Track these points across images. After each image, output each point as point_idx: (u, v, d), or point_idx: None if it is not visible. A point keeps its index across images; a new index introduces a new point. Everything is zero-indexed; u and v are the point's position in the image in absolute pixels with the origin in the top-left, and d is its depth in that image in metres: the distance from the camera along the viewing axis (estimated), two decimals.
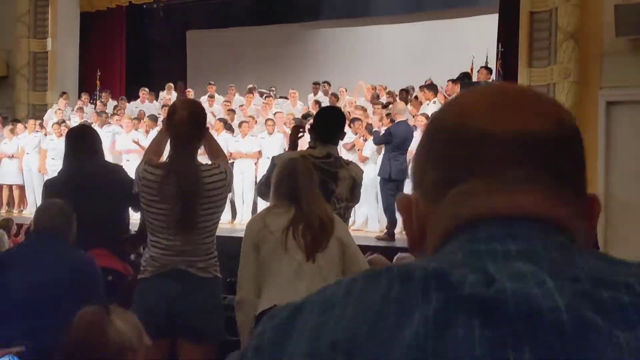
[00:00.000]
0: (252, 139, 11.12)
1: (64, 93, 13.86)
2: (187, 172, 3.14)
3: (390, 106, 10.42)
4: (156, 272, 3.20)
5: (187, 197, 3.11)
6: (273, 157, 3.96)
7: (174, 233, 3.16)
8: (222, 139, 11.17)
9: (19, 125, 12.56)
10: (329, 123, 4.07)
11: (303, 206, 3.08)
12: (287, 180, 3.17)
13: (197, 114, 3.27)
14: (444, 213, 0.76)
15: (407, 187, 9.35)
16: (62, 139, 11.75)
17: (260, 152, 10.95)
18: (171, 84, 14.40)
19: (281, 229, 3.07)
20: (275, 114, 11.87)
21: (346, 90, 13.02)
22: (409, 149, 8.83)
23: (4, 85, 14.67)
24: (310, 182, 3.17)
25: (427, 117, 9.76)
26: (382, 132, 9.31)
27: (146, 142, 11.39)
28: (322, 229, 3.06)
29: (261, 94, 13.51)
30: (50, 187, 4.06)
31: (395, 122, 9.19)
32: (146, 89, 14.16)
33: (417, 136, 9.56)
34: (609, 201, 9.21)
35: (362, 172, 4.16)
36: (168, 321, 3.14)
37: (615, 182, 9.57)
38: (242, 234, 3.33)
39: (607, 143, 9.63)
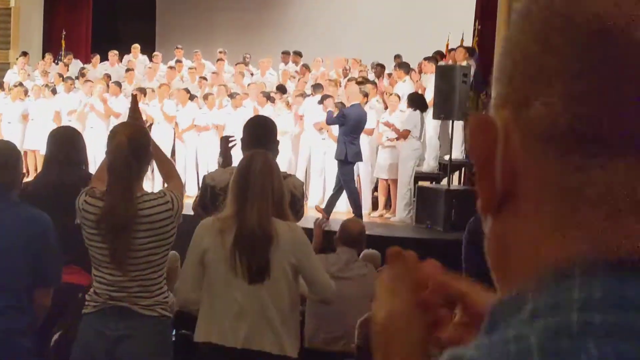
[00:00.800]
0: (218, 112, 10.80)
1: (24, 53, 13.38)
2: (120, 204, 2.90)
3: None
4: (99, 307, 3.00)
5: (117, 230, 2.89)
6: (204, 177, 3.72)
7: (116, 268, 2.96)
8: (188, 110, 10.89)
9: None
10: (259, 133, 3.76)
11: (248, 218, 2.83)
12: (240, 181, 2.92)
13: (138, 139, 2.99)
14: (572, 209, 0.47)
15: (363, 168, 9.19)
16: (18, 102, 11.64)
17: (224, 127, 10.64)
18: (137, 46, 13.92)
19: (224, 246, 2.85)
20: (249, 85, 11.55)
21: (322, 61, 12.69)
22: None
23: None
24: (264, 186, 2.90)
25: (398, 96, 9.55)
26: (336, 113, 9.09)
27: (113, 105, 11.11)
28: (262, 251, 2.83)
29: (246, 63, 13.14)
30: (25, 195, 3.81)
31: (350, 104, 9.03)
32: (116, 52, 13.70)
33: (392, 120, 9.37)
34: None
35: (302, 184, 3.92)
36: None
37: None
38: None
39: None
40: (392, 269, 0.71)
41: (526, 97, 0.50)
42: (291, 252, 2.89)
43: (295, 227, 2.99)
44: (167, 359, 3.12)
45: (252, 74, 13.01)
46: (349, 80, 10.97)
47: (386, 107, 9.92)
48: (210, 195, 3.68)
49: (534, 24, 0.52)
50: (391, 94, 9.71)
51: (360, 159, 8.87)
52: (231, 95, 10.84)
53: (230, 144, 3.98)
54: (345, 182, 8.82)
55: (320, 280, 3.01)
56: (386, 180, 9.46)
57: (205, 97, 10.91)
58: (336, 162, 9.31)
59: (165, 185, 3.33)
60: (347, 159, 8.72)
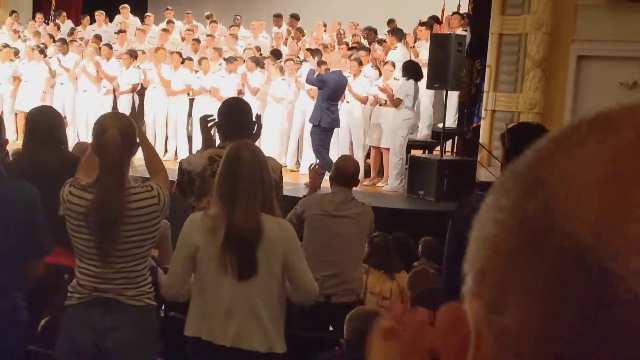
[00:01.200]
0: (212, 76, 10.68)
1: (13, 12, 13.17)
2: (113, 198, 2.88)
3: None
4: (83, 299, 2.98)
5: (106, 223, 2.87)
6: (181, 161, 3.68)
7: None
8: (180, 74, 10.77)
9: None
10: (235, 118, 3.74)
11: (238, 216, 2.81)
12: (228, 175, 2.89)
13: (129, 132, 2.98)
14: None
15: (356, 135, 9.15)
16: (7, 64, 11.49)
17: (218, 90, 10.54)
18: (126, 6, 13.68)
19: (214, 243, 2.83)
20: (245, 50, 11.40)
21: (325, 27, 12.47)
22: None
23: None
24: (254, 182, 2.88)
25: (393, 64, 9.45)
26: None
27: (106, 68, 10.97)
28: (251, 248, 2.81)
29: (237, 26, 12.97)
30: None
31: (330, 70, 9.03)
32: (102, 12, 13.48)
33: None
34: None
35: (280, 166, 3.90)
36: (97, 356, 2.95)
37: None
38: None
39: (575, 98, 9.46)
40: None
41: (498, 304, 0.45)
42: (280, 251, 2.88)
43: (285, 225, 2.97)
44: (155, 346, 3.14)
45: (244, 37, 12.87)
46: (341, 45, 10.86)
47: (380, 74, 9.83)
48: (187, 180, 3.68)
49: (505, 221, 0.46)
50: (386, 62, 9.59)
51: (336, 126, 8.94)
52: (228, 60, 10.69)
53: (209, 124, 3.91)
54: (316, 148, 8.93)
55: (306, 282, 2.99)
56: (378, 148, 9.43)
57: (200, 61, 10.75)
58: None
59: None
60: (321, 124, 8.79)
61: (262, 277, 2.86)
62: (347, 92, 9.31)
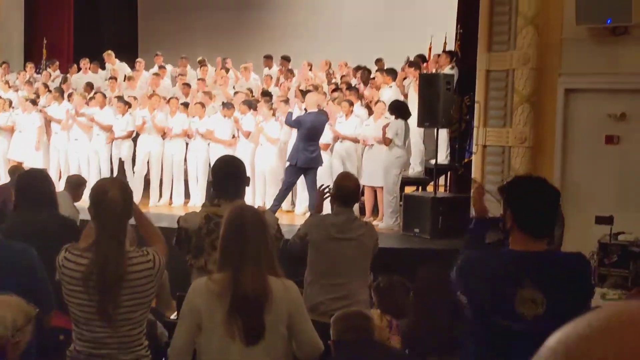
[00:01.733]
0: (207, 120, 10.75)
1: (3, 63, 13.26)
2: (113, 261, 2.90)
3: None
4: None
5: (107, 286, 2.89)
6: (179, 218, 3.71)
7: (98, 325, 2.95)
8: (178, 119, 10.84)
9: None
10: (228, 176, 3.78)
11: (245, 281, 2.80)
12: (234, 240, 2.87)
13: (128, 192, 3.05)
14: None
15: (323, 177, 9.22)
16: (2, 114, 11.52)
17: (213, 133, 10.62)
18: (111, 52, 13.77)
19: (220, 309, 2.82)
20: (235, 93, 11.50)
21: (310, 66, 12.61)
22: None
23: None
24: (259, 246, 2.87)
25: (384, 104, 9.55)
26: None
27: (100, 117, 11.01)
28: (259, 313, 2.81)
29: (226, 70, 13.11)
30: None
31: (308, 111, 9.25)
32: (86, 60, 13.58)
33: (375, 128, 9.35)
34: (565, 188, 9.19)
35: (276, 219, 3.92)
36: None
37: (572, 170, 9.54)
38: None
39: (565, 130, 9.55)
40: None
41: None
42: (286, 313, 2.88)
43: (290, 285, 2.97)
44: None
45: (237, 78, 12.99)
46: (330, 85, 10.99)
47: (370, 114, 9.93)
48: (184, 237, 3.70)
49: None
50: (377, 101, 9.69)
51: (313, 166, 9.10)
52: (225, 105, 10.79)
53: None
54: (286, 183, 9.17)
55: (311, 341, 3.00)
56: (372, 186, 9.49)
57: (198, 105, 10.85)
58: (323, 168, 9.43)
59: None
60: (297, 164, 8.98)
61: (269, 339, 2.85)
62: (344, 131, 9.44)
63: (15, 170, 8.35)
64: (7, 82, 12.74)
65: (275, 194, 9.47)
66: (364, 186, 9.66)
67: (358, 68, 11.84)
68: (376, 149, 9.36)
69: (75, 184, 6.69)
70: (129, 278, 2.94)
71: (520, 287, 2.63)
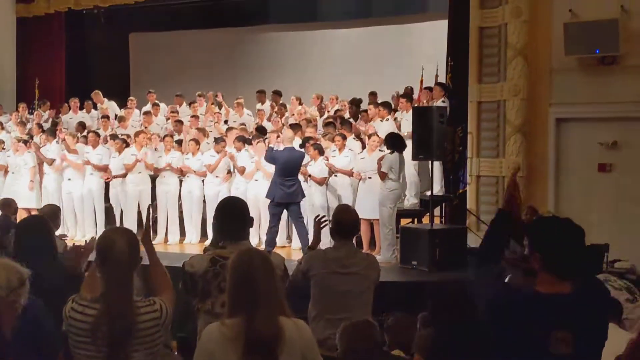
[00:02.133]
0: (201, 156, 10.78)
1: None
2: (123, 311, 2.89)
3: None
4: None
5: (117, 338, 2.87)
6: (184, 263, 3.70)
7: None
8: (171, 157, 10.86)
9: None
10: (232, 218, 3.77)
11: (258, 325, 2.79)
12: (243, 285, 2.84)
13: (135, 242, 3.04)
14: None
15: (319, 212, 9.25)
16: None
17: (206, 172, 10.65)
18: (98, 92, 13.84)
19: (234, 354, 2.80)
20: (227, 130, 11.55)
21: (299, 101, 12.72)
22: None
23: None
24: (269, 290, 2.85)
25: (379, 137, 9.59)
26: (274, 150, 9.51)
27: (93, 157, 11.02)
28: (272, 353, 2.79)
29: (219, 106, 13.21)
30: None
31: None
32: (77, 99, 13.64)
33: (371, 161, 9.39)
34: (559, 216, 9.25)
35: (283, 259, 3.90)
36: None
37: (565, 198, 9.60)
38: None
39: (557, 160, 9.64)
40: None
41: None
42: (300, 353, 2.84)
43: (302, 326, 2.94)
44: None
45: (227, 112, 13.07)
46: (325, 120, 11.07)
47: (364, 147, 9.99)
48: (190, 282, 3.68)
49: None
50: (371, 134, 9.76)
51: (293, 201, 9.22)
52: (216, 140, 10.85)
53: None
54: (270, 221, 9.28)
55: None
56: (368, 219, 9.51)
57: (192, 141, 10.90)
58: (318, 202, 9.47)
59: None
60: (275, 199, 9.15)
61: None
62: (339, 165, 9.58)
63: (5, 204, 8.33)
64: (0, 123, 12.76)
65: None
66: (360, 219, 9.69)
67: (352, 101, 11.95)
68: (370, 182, 9.40)
69: (52, 215, 6.63)
70: (137, 328, 2.92)
71: (552, 330, 2.69)
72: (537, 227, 2.99)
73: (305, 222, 9.43)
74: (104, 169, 11.03)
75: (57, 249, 4.30)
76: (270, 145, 9.81)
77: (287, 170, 9.18)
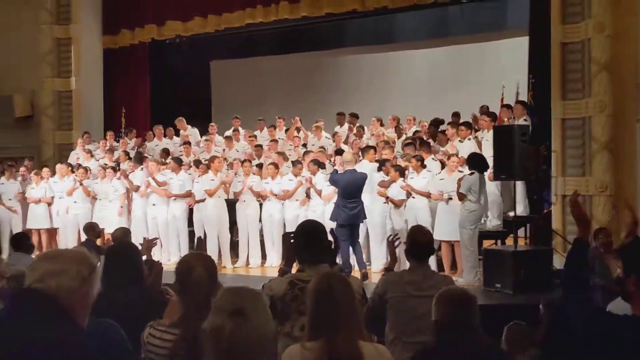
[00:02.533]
0: (281, 180, 10.88)
1: (85, 133, 13.83)
2: (200, 337, 2.89)
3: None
4: None
5: None
6: (263, 286, 3.70)
7: None
8: (251, 181, 11.00)
9: (45, 170, 12.49)
10: (311, 241, 3.76)
11: (340, 348, 2.76)
12: (324, 308, 2.84)
13: (213, 267, 3.08)
14: None
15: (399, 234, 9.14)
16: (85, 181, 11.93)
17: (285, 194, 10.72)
18: (182, 118, 14.16)
19: None
20: (304, 153, 11.64)
21: (380, 122, 12.68)
22: None
23: (30, 125, 14.71)
24: (350, 313, 2.85)
25: (459, 158, 9.44)
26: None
27: (175, 183, 11.27)
28: None
29: (297, 130, 13.34)
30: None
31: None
32: (161, 126, 14.01)
33: (451, 182, 9.25)
34: None
35: (362, 284, 3.85)
36: None
37: None
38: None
39: None
40: None
41: None
42: None
43: (383, 351, 2.92)
44: None
45: (306, 136, 13.17)
46: (404, 141, 11.00)
47: (443, 167, 9.85)
48: (270, 305, 3.68)
49: None
50: (451, 155, 9.62)
51: (355, 222, 9.23)
52: (293, 164, 10.96)
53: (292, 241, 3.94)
54: (340, 245, 8.99)
55: None
56: (449, 241, 9.35)
57: (271, 165, 11.02)
58: (394, 224, 9.47)
59: None
60: (339, 221, 9.10)
61: None
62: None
63: (89, 228, 8.68)
64: (89, 151, 13.23)
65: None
66: (441, 241, 9.55)
67: (433, 122, 11.87)
68: (451, 203, 9.26)
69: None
70: None
71: None
72: (633, 248, 2.87)
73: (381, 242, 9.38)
74: (187, 195, 11.24)
75: (143, 273, 4.36)
76: (335, 168, 9.83)
77: (349, 192, 9.18)
